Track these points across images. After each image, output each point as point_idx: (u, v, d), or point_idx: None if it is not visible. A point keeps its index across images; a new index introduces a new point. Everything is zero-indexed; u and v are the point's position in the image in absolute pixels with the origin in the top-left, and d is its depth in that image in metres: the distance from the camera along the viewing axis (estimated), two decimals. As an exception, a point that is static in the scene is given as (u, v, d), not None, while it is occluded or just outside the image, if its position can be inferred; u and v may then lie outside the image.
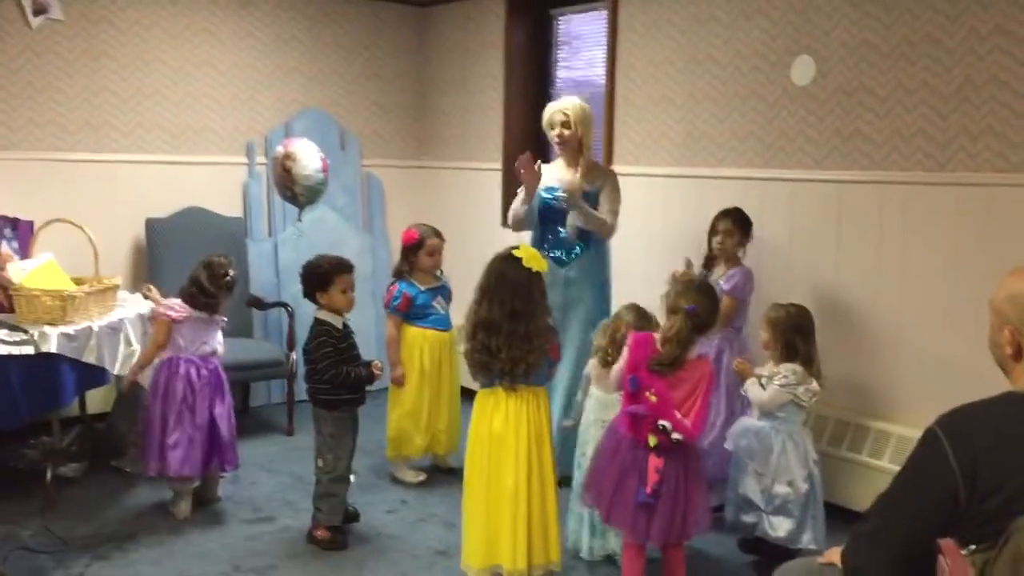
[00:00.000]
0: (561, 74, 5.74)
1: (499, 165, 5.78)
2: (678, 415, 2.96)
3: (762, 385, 3.48)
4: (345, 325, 3.76)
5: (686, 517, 3.06)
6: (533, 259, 3.13)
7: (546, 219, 4.35)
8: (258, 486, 4.28)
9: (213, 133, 5.54)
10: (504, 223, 5.66)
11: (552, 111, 4.30)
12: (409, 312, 4.39)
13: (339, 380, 3.64)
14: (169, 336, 3.89)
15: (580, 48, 5.62)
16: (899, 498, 1.95)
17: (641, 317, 3.46)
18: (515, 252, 3.15)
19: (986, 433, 1.82)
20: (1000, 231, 3.58)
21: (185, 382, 3.86)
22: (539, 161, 4.28)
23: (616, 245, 4.48)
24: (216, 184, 5.53)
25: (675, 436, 2.96)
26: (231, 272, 3.93)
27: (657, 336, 3.13)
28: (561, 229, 4.31)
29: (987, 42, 3.58)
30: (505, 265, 3.13)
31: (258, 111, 5.70)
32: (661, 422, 2.94)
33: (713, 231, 4.07)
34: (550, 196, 4.31)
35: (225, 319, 4.05)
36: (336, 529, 3.72)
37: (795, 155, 4.24)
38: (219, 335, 4.07)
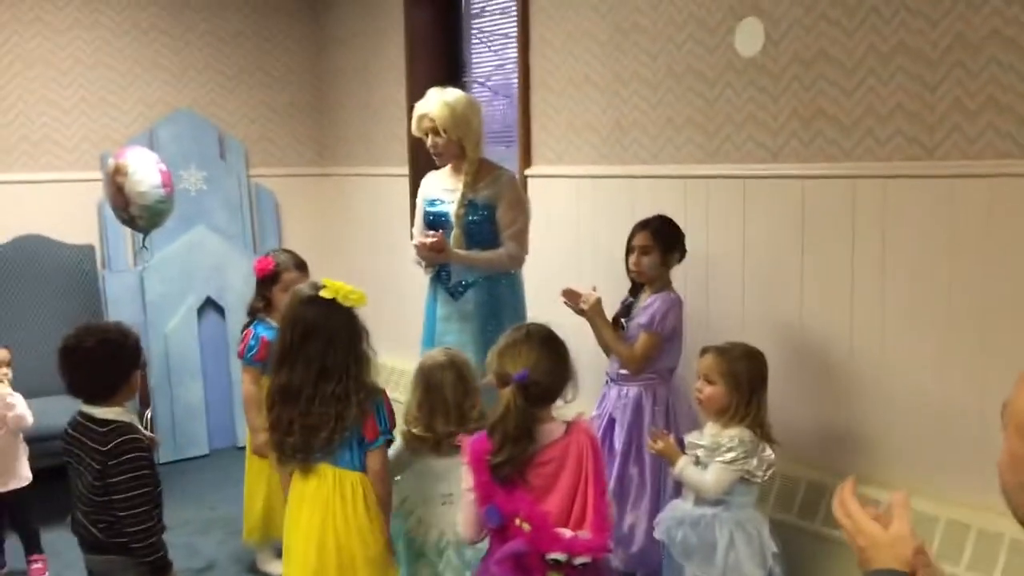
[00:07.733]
0: (476, 58, 4.85)
1: (405, 170, 4.88)
2: (566, 533, 2.07)
3: (699, 460, 2.58)
4: None
5: None
6: (345, 293, 2.39)
7: None
8: None
9: (55, 144, 4.63)
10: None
11: (416, 116, 3.48)
12: (269, 360, 3.49)
13: (150, 545, 2.40)
14: None
15: (499, 27, 4.72)
16: None
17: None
18: (322, 293, 2.37)
19: None
20: (1008, 235, 2.69)
21: None
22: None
23: (532, 265, 3.60)
24: (60, 207, 4.62)
25: (579, 561, 2.07)
26: None
27: None
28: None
29: (984, -15, 2.68)
30: (311, 311, 2.35)
31: (113, 116, 4.80)
32: (550, 556, 2.04)
33: (629, 248, 3.17)
34: (435, 211, 3.46)
35: None
36: None
37: (744, 145, 3.35)
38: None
